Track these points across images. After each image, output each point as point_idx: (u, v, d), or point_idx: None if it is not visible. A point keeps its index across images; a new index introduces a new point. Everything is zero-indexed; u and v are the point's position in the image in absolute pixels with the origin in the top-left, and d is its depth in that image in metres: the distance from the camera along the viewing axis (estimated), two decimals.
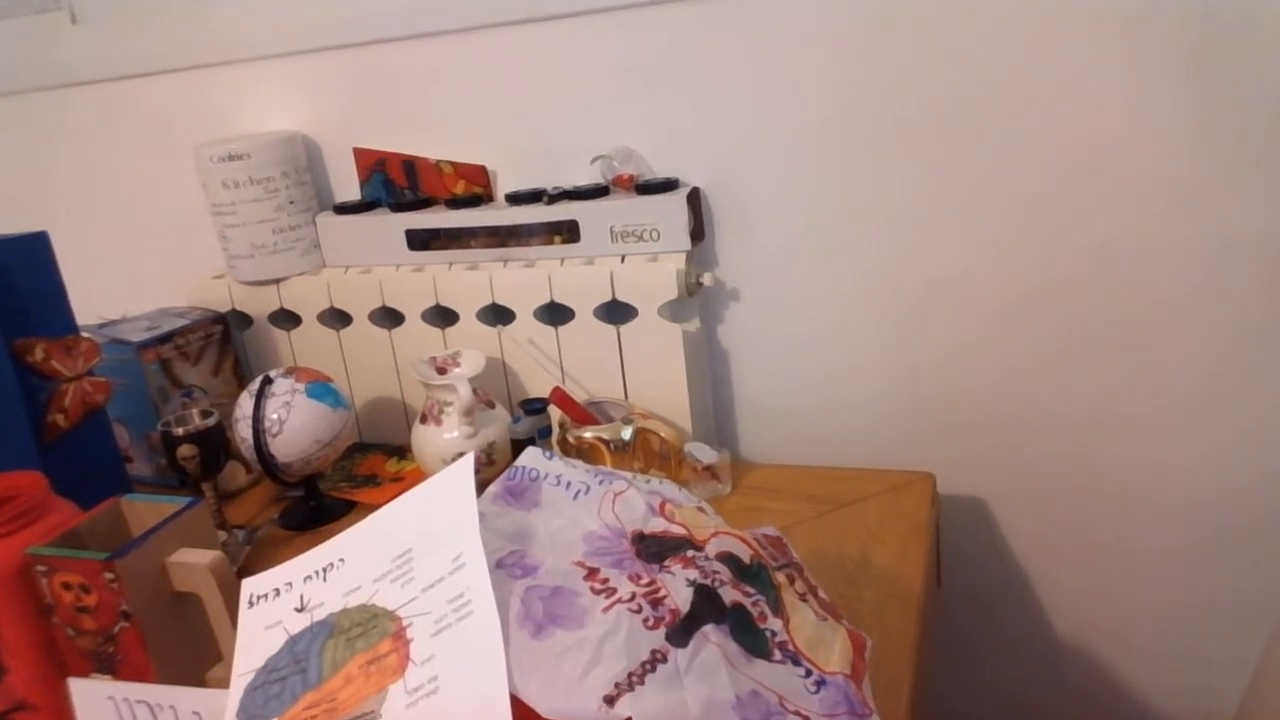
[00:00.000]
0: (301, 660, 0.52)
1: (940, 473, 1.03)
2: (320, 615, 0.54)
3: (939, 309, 1.03)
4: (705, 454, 1.01)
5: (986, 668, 1.17)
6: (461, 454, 1.02)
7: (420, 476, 1.09)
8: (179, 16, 1.23)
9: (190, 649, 0.75)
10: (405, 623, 0.51)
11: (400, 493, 0.59)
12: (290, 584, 0.57)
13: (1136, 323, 0.97)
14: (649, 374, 1.06)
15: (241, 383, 1.21)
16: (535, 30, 1.07)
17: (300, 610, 0.55)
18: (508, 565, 0.54)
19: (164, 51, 1.25)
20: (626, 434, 0.98)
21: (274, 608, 0.56)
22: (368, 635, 0.52)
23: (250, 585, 0.58)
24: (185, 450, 0.98)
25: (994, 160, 0.95)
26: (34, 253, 0.91)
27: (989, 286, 1.00)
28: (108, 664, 0.73)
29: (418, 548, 0.54)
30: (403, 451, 1.19)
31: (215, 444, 1.01)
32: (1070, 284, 0.97)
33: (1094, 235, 0.95)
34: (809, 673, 0.53)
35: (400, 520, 0.57)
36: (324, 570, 0.56)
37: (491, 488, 0.61)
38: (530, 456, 0.62)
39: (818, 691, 0.52)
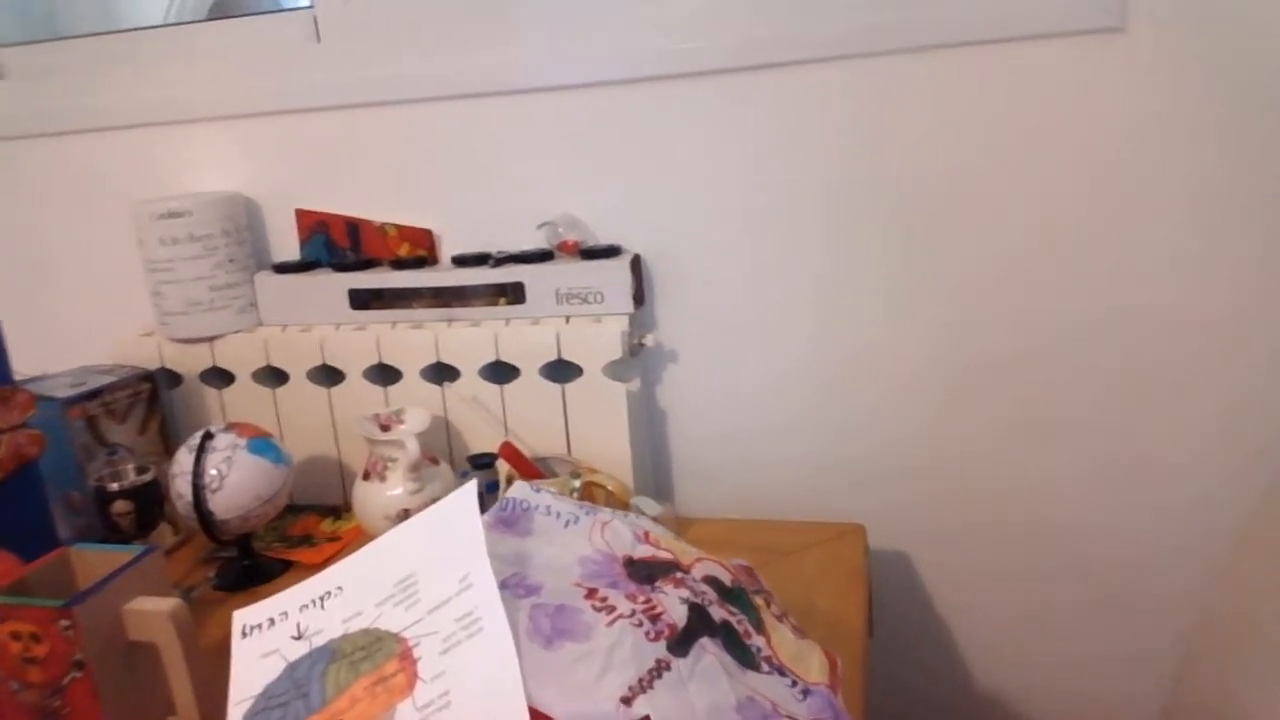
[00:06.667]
0: (302, 685, 0.52)
1: (868, 528, 1.09)
2: (319, 642, 0.55)
3: (866, 374, 1.10)
4: (650, 507, 1.03)
5: (913, 712, 1.22)
6: (407, 510, 1.03)
7: (360, 535, 1.08)
8: (118, 75, 1.23)
9: (142, 701, 0.72)
10: (411, 643, 0.52)
11: (339, 552, 0.61)
12: (285, 614, 0.57)
13: (1062, 392, 1.05)
14: (592, 431, 1.10)
15: (167, 442, 1.18)
16: (483, 104, 1.12)
17: (298, 638, 0.55)
18: (511, 586, 0.55)
19: (99, 109, 1.24)
20: (575, 486, 1.01)
21: (269, 637, 0.56)
22: (372, 658, 0.53)
23: (242, 616, 0.58)
24: (120, 506, 0.95)
25: (920, 239, 1.04)
26: None
27: (916, 354, 1.08)
28: (52, 719, 0.70)
29: (422, 572, 0.55)
30: (338, 511, 1.18)
31: (151, 500, 0.98)
32: (1002, 355, 1.05)
33: (1015, 302, 1.04)
34: (795, 683, 0.56)
35: (400, 547, 0.58)
36: (321, 599, 0.56)
37: (484, 518, 0.63)
38: (519, 490, 0.65)
39: (804, 699, 0.55)
